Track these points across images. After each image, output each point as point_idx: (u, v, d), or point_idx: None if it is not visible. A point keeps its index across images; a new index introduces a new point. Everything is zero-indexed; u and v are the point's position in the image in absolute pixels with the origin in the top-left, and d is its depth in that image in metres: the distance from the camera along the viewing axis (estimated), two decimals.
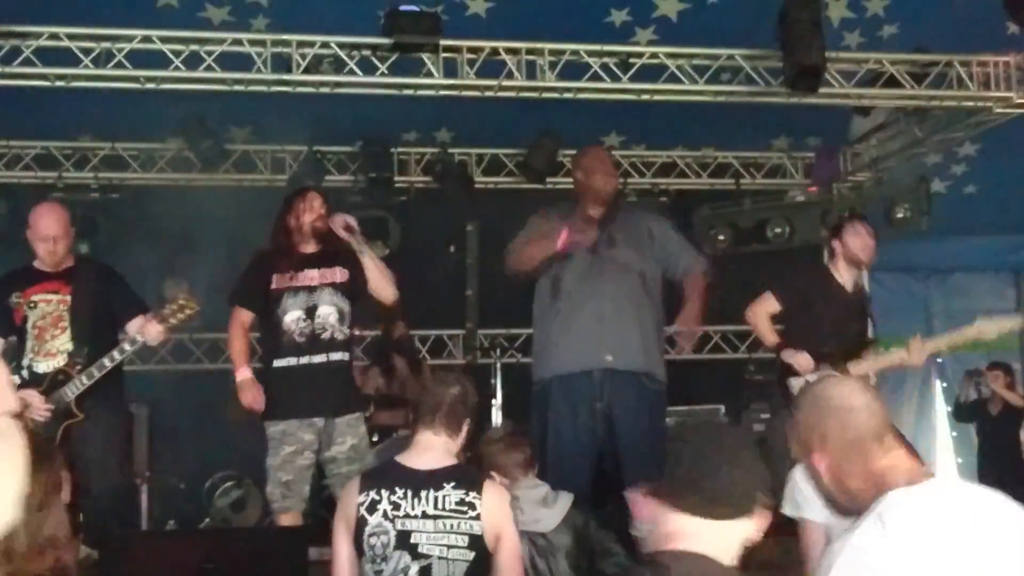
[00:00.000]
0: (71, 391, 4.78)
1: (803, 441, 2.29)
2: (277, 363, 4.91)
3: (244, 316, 5.03)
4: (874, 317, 5.73)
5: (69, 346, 4.88)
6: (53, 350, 4.90)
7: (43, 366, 4.88)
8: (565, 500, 4.14)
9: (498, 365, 7.75)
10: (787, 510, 3.87)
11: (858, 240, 5.49)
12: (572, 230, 5.08)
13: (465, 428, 3.60)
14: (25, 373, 4.90)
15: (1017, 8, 5.90)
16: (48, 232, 4.89)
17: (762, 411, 8.07)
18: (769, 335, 5.56)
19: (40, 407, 4.76)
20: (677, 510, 2.01)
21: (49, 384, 4.82)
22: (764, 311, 5.60)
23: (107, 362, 4.79)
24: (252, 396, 4.86)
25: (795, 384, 5.16)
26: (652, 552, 2.04)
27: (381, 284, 4.97)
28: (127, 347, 4.86)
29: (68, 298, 4.93)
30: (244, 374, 4.90)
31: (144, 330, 4.81)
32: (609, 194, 5.32)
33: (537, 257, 5.23)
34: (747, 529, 2.06)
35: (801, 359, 5.29)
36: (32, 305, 4.93)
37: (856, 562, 2.07)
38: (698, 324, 5.36)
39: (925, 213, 7.97)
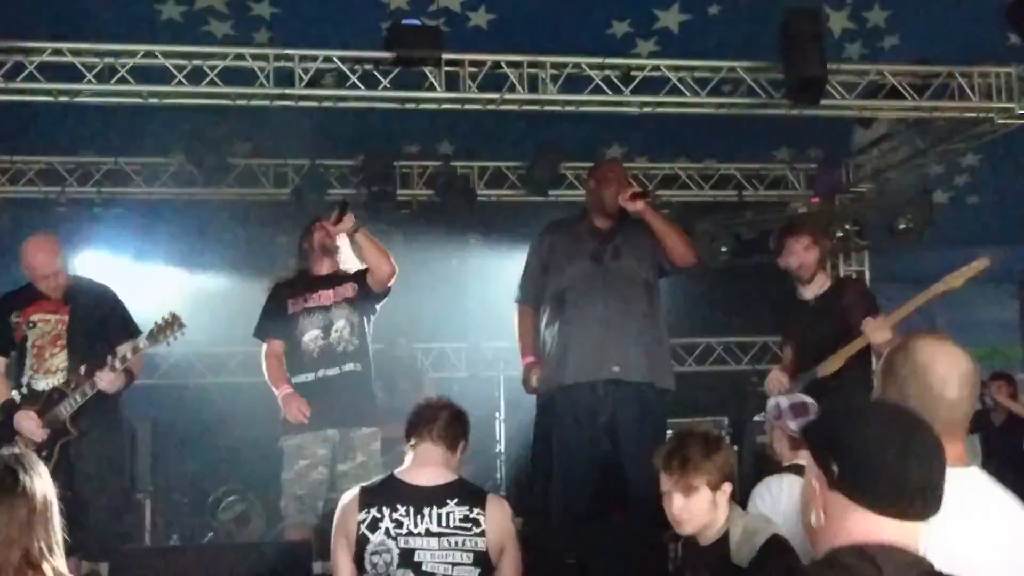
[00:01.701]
0: (66, 409, 4.80)
1: (887, 381, 2.25)
2: (295, 379, 5.04)
3: (274, 346, 5.15)
4: (866, 303, 5.57)
5: (67, 364, 4.91)
6: (52, 368, 4.93)
7: (42, 383, 4.91)
8: None
9: (501, 378, 7.76)
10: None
11: (791, 258, 5.43)
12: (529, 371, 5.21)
13: (461, 447, 3.58)
14: (25, 390, 4.93)
15: (1018, 19, 5.90)
16: (46, 271, 4.93)
17: (765, 423, 8.06)
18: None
19: (36, 431, 4.77)
20: (865, 509, 1.74)
21: (45, 402, 4.84)
22: (788, 359, 5.62)
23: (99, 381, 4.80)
24: (296, 409, 4.91)
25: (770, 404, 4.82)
26: (843, 547, 1.74)
27: (378, 261, 4.98)
28: (117, 365, 4.83)
29: (66, 318, 4.97)
30: (284, 390, 4.99)
31: (101, 376, 4.75)
32: (616, 209, 5.33)
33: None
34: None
35: (770, 382, 5.40)
36: (31, 324, 4.97)
37: None
38: (646, 197, 5.21)
39: (927, 224, 7.96)
